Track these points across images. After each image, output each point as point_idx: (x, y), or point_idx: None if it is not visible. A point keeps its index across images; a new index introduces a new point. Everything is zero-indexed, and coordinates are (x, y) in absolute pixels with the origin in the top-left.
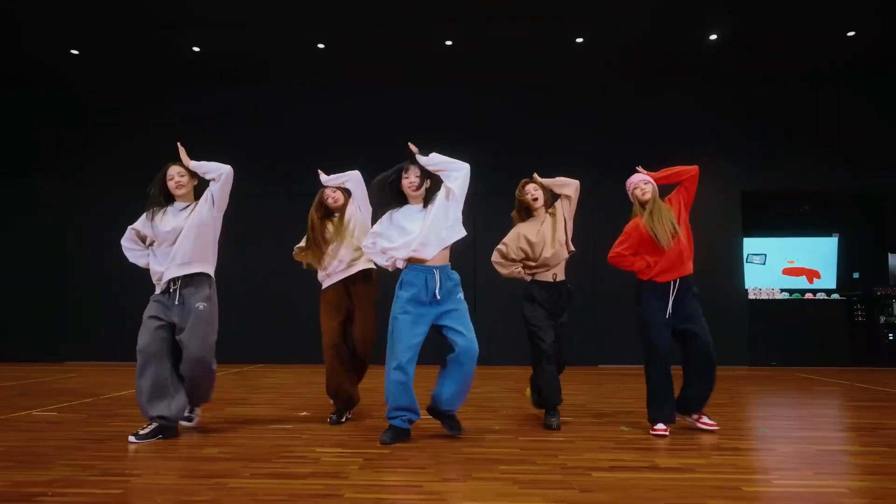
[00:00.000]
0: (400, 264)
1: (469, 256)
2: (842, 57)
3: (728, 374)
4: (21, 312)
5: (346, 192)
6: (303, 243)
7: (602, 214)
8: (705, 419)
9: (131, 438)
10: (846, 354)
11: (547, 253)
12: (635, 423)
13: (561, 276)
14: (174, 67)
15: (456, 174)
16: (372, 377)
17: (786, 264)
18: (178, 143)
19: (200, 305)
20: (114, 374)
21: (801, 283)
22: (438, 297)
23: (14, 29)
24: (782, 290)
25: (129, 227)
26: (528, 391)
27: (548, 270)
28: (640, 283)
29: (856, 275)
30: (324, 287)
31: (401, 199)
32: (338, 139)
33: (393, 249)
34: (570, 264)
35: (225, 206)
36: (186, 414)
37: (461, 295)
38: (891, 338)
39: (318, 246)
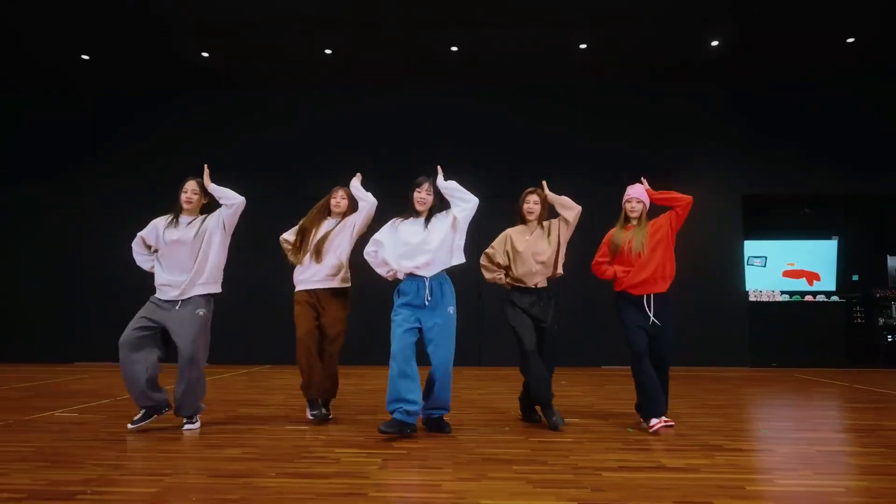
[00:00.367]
0: (400, 275)
1: (476, 262)
2: (841, 61)
3: (728, 374)
4: (27, 313)
5: (353, 207)
6: (290, 236)
7: (604, 217)
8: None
9: (130, 426)
10: (845, 356)
11: (523, 269)
12: (639, 423)
13: (542, 284)
14: (181, 72)
15: (464, 205)
16: (378, 379)
17: (786, 267)
18: (206, 166)
19: (200, 311)
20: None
21: (801, 285)
22: (428, 301)
23: (21, 33)
24: (783, 293)
25: (138, 233)
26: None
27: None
28: (616, 293)
29: (855, 277)
30: (297, 290)
31: (409, 210)
32: (345, 143)
33: (395, 265)
34: (572, 266)
35: (232, 231)
36: (186, 425)
37: (452, 308)
38: (889, 339)
39: (305, 237)
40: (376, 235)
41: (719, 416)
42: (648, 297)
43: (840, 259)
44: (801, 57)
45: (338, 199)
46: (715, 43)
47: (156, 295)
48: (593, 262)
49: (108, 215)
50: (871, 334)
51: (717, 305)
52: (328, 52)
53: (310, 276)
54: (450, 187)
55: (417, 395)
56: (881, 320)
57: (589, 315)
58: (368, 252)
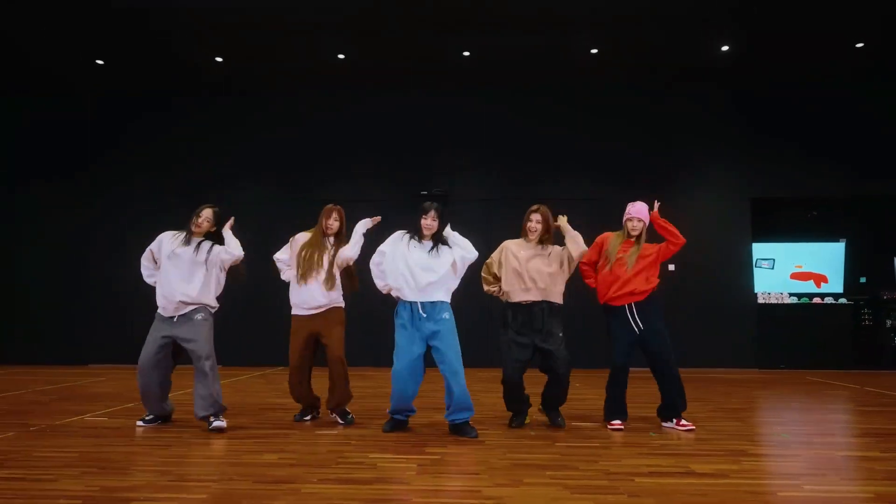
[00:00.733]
0: (394, 293)
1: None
2: (846, 64)
3: (737, 377)
4: (33, 314)
5: (345, 228)
6: (284, 255)
7: (608, 220)
8: (683, 422)
9: (139, 423)
10: (852, 357)
11: (512, 284)
12: (660, 426)
13: (536, 299)
14: (189, 75)
15: (465, 254)
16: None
17: (794, 269)
18: (232, 218)
19: (200, 315)
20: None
21: (808, 287)
22: (423, 315)
23: (28, 37)
24: (791, 294)
25: (148, 247)
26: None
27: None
28: (602, 304)
29: (863, 279)
30: (293, 313)
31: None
32: (354, 146)
33: (397, 289)
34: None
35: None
36: (213, 422)
37: (447, 314)
38: None
39: (307, 255)
40: (383, 246)
41: (736, 420)
42: (630, 305)
43: (847, 261)
44: (809, 62)
45: (330, 222)
46: (725, 48)
47: (159, 311)
48: (580, 263)
49: (119, 217)
50: (878, 336)
51: (726, 307)
52: (341, 56)
53: (302, 300)
54: (455, 236)
55: (410, 404)
56: (889, 322)
57: (599, 320)
58: (374, 261)
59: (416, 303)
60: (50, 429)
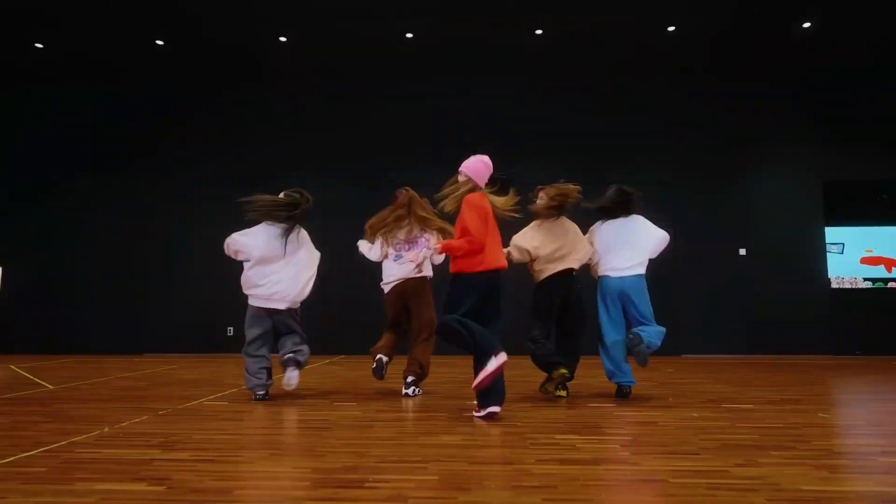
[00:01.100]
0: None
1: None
2: None
3: (816, 363)
4: (97, 306)
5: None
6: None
7: (677, 206)
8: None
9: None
10: None
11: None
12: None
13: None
14: (252, 64)
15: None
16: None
17: (864, 253)
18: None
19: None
20: (212, 366)
21: (879, 272)
22: None
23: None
24: (865, 279)
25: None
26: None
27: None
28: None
29: None
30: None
31: None
32: (413, 137)
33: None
34: None
35: None
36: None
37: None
38: None
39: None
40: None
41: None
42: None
43: None
44: (882, 40)
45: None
46: (806, 25)
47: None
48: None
49: (177, 206)
50: None
51: (799, 292)
52: (409, 35)
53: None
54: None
55: None
56: None
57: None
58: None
59: None
60: (185, 411)
